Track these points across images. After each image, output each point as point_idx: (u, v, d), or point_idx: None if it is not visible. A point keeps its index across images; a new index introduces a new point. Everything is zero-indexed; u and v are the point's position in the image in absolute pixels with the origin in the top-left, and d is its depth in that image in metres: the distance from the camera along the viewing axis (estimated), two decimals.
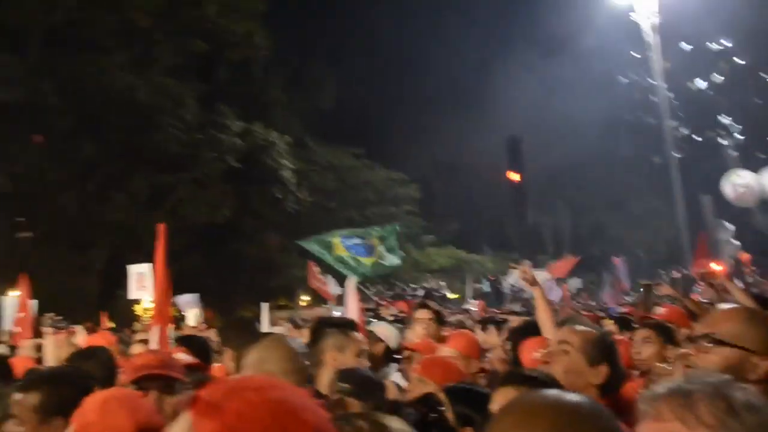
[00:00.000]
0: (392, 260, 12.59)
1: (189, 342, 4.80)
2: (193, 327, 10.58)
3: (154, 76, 23.91)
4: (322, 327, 3.65)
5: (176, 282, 5.48)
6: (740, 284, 6.81)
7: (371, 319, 7.04)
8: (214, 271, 27.80)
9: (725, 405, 1.22)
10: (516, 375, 2.48)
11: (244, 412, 1.10)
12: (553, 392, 1.17)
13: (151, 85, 23.49)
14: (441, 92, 50.85)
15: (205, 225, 27.47)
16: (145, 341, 5.71)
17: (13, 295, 9.17)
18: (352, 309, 4.80)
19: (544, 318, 3.94)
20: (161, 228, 5.13)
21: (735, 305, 2.80)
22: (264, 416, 1.10)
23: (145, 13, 22.90)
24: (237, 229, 29.39)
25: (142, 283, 8.08)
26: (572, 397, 1.14)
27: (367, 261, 12.05)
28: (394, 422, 1.83)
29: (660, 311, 4.98)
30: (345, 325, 3.68)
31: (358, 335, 3.51)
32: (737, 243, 26.96)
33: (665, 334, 3.98)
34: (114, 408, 2.09)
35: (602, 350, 2.58)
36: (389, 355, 4.37)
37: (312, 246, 12.06)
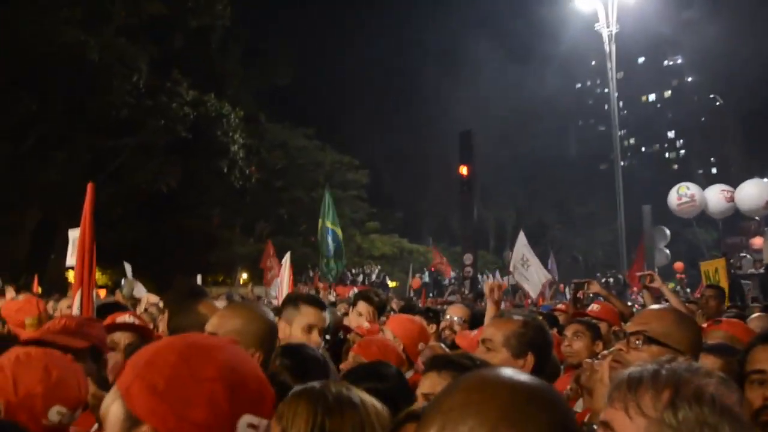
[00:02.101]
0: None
1: (112, 310, 4.67)
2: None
3: (106, 35, 23.08)
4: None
5: (113, 249, 5.31)
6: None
7: None
8: (154, 241, 27.26)
9: (669, 396, 1.16)
10: (439, 359, 2.43)
11: (152, 358, 1.18)
12: (507, 370, 1.05)
13: (103, 44, 22.68)
14: (400, 81, 50.93)
15: (148, 194, 26.88)
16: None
17: None
18: (285, 285, 4.73)
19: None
20: (90, 187, 4.92)
21: (665, 306, 2.88)
22: (170, 357, 1.17)
23: None
24: (180, 201, 28.84)
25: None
26: (528, 378, 1.03)
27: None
28: (357, 394, 1.82)
29: (594, 307, 5.12)
30: (298, 299, 3.62)
31: (310, 309, 3.46)
32: (667, 252, 27.98)
33: (593, 330, 4.12)
34: (26, 364, 2.01)
35: (526, 340, 2.57)
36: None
37: (327, 201, 13.17)
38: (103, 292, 17.95)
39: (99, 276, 21.03)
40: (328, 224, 14.03)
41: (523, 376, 1.03)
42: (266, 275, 15.74)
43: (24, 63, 21.84)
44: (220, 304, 7.85)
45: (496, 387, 0.99)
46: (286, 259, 4.92)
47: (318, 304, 3.54)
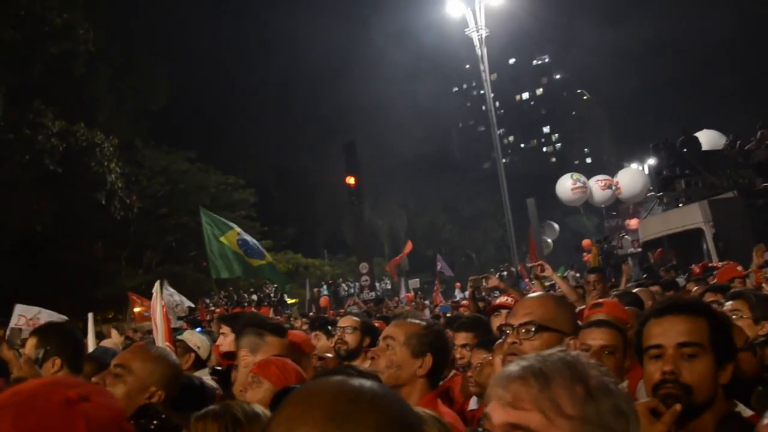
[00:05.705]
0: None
1: None
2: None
3: None
4: (244, 326, 3.50)
5: None
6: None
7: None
8: (33, 282, 25.58)
9: (583, 390, 1.16)
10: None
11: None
12: (336, 378, 1.02)
13: None
14: (279, 97, 50.57)
15: (21, 233, 25.23)
16: None
17: None
18: (158, 315, 4.39)
19: None
20: None
21: (540, 293, 3.02)
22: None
23: None
24: (58, 237, 27.25)
25: None
26: (357, 382, 1.01)
27: (254, 262, 11.34)
28: (258, 407, 1.97)
29: (501, 299, 5.14)
30: (263, 329, 3.41)
31: (275, 339, 3.32)
32: (549, 241, 29.39)
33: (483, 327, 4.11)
34: None
35: (426, 341, 2.63)
36: (200, 363, 4.17)
37: (207, 218, 11.14)
38: None
39: None
40: (227, 238, 12.10)
41: (352, 381, 1.01)
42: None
43: None
44: (112, 341, 7.42)
45: (321, 395, 0.98)
46: (156, 289, 4.59)
47: (283, 333, 3.45)
